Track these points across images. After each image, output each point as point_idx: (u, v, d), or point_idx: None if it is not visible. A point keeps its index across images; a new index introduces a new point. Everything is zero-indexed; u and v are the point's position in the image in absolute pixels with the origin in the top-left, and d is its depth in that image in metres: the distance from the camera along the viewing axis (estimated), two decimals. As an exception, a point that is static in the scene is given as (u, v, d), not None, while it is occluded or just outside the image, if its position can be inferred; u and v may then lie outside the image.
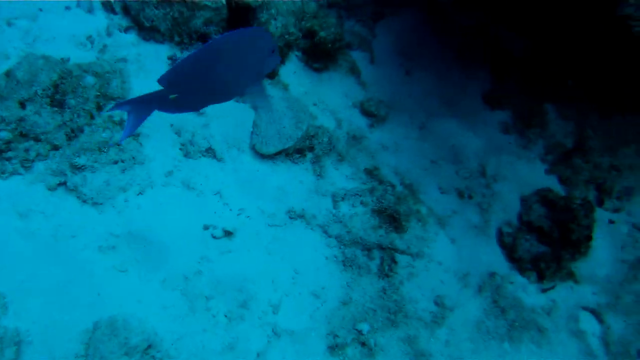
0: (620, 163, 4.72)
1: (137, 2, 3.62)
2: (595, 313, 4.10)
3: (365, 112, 4.41)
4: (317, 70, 4.39)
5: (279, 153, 3.77)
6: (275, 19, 3.71)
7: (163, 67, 3.71)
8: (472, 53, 5.02)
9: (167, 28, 3.69)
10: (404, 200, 3.92)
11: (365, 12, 5.00)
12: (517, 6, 4.48)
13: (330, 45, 4.19)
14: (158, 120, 3.46)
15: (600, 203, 4.65)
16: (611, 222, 4.58)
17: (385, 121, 4.48)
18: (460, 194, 4.32)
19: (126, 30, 3.80)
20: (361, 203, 3.83)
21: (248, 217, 3.49)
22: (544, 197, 4.34)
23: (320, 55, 4.29)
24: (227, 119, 3.72)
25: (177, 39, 3.74)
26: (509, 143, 4.76)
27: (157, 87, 1.84)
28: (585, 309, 4.10)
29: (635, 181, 4.78)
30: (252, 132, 3.79)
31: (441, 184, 4.33)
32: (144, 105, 1.94)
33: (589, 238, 4.02)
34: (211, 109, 3.66)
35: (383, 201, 3.83)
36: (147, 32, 3.74)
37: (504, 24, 4.75)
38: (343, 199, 3.81)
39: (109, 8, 3.82)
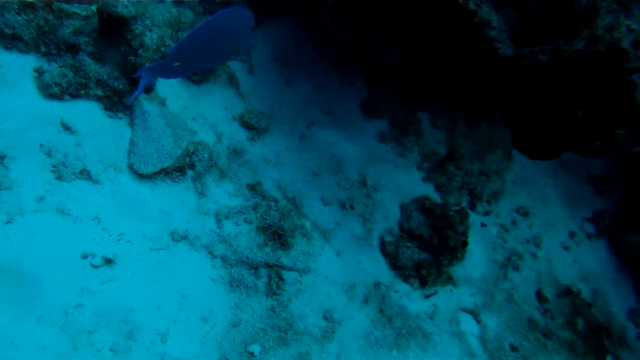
0: (489, 168, 5.29)
1: (-7, 5, 3.49)
2: (473, 314, 4.56)
3: (246, 125, 4.57)
4: (196, 82, 4.46)
5: (158, 172, 3.80)
6: (150, 30, 3.75)
7: (29, 79, 3.60)
8: (349, 63, 5.33)
9: (32, 37, 3.60)
10: (288, 215, 4.13)
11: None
12: (392, 20, 4.83)
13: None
14: (25, 140, 3.37)
15: (473, 207, 5.19)
16: (483, 225, 5.15)
17: (266, 133, 4.68)
18: (343, 205, 4.62)
19: (-17, 36, 3.63)
20: (245, 221, 3.99)
21: (129, 242, 3.52)
22: (422, 205, 4.77)
23: (196, 67, 4.35)
24: (102, 137, 3.72)
25: (43, 49, 3.67)
26: (386, 152, 5.15)
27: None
28: (464, 310, 4.55)
29: (502, 185, 5.36)
30: (129, 151, 3.80)
31: (324, 195, 4.60)
32: (152, 72, 2.77)
33: (464, 244, 4.49)
34: (84, 126, 3.62)
35: (267, 218, 4.02)
36: (9, 40, 3.60)
37: (380, 36, 5.10)
38: (227, 217, 3.95)
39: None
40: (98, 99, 3.84)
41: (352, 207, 4.66)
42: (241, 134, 4.56)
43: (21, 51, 3.71)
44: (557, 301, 5.15)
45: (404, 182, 5.02)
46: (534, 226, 5.47)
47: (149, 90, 4.00)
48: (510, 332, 4.72)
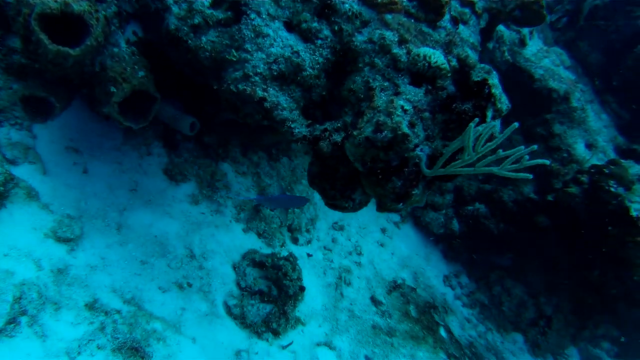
0: (300, 198, 5.80)
1: None
2: (326, 344, 5.15)
3: (61, 239, 4.57)
4: (-9, 213, 4.32)
5: (-8, 337, 3.73)
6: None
7: None
8: (142, 131, 5.43)
9: None
10: (136, 323, 4.35)
11: (17, 111, 5.02)
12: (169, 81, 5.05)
13: (2, 189, 4.17)
14: None
15: (296, 241, 5.71)
16: (309, 255, 5.72)
17: (82, 238, 4.68)
18: (180, 286, 4.91)
19: None
20: (99, 348, 4.10)
21: None
22: (252, 260, 5.24)
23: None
24: None
25: None
26: (202, 213, 5.43)
27: None
28: (318, 344, 5.12)
29: (314, 209, 5.95)
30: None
31: (160, 283, 4.83)
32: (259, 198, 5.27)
33: (302, 289, 5.08)
34: None
35: (118, 335, 4.20)
36: None
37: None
38: (79, 352, 4.00)
39: None
40: None
41: (189, 285, 4.94)
42: (60, 250, 4.55)
43: None
44: (390, 298, 5.97)
45: (228, 241, 5.39)
46: (351, 236, 6.20)
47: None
48: (361, 345, 5.43)
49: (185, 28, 4.29)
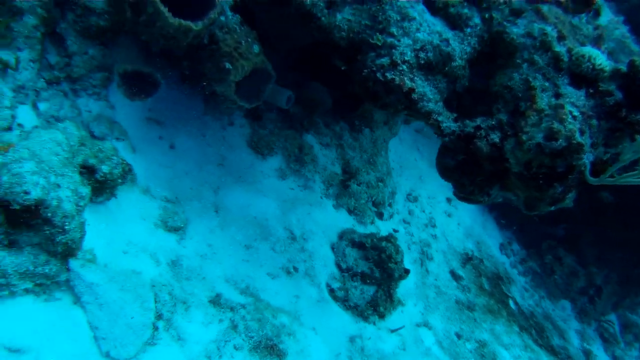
0: (381, 173, 5.48)
1: None
2: (425, 324, 4.95)
3: (170, 228, 4.11)
4: (101, 202, 3.81)
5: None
6: (60, 188, 3.09)
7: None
8: (223, 99, 4.91)
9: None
10: (264, 318, 4.02)
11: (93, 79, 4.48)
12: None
13: (120, 181, 3.68)
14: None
15: (380, 216, 5.39)
16: (395, 231, 5.41)
17: (187, 224, 4.23)
18: (288, 272, 4.57)
19: None
20: (236, 348, 3.74)
21: None
22: (351, 240, 4.88)
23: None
24: (57, 340, 3.07)
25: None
26: (291, 189, 5.01)
27: None
28: (418, 325, 4.91)
29: (393, 183, 5.63)
30: (95, 338, 3.22)
31: (268, 269, 4.49)
32: None
33: (407, 271, 4.76)
34: (31, 339, 2.97)
35: (252, 334, 3.88)
36: None
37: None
38: (220, 356, 3.64)
39: None
40: (28, 292, 3.13)
41: (295, 269, 4.58)
42: (170, 240, 4.08)
43: None
44: (465, 271, 5.80)
45: (323, 219, 5.01)
46: (424, 207, 5.92)
47: (73, 252, 3.32)
48: (451, 323, 5.26)
49: (321, 3, 3.76)
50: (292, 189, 5.05)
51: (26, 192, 2.85)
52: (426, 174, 6.29)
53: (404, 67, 3.61)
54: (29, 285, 3.12)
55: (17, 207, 2.86)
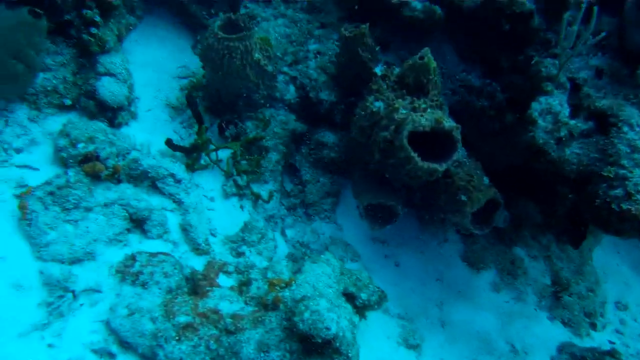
0: (589, 282, 5.53)
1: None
2: None
3: (410, 346, 4.46)
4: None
5: None
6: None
7: None
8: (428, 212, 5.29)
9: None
10: None
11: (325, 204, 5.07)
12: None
13: (376, 307, 4.12)
14: None
15: (594, 327, 5.40)
16: (611, 343, 5.36)
17: (423, 341, 4.56)
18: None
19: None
20: None
21: None
22: (572, 354, 4.93)
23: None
24: None
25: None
26: (506, 302, 5.19)
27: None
28: None
29: (602, 293, 5.64)
30: None
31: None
32: None
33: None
34: None
35: None
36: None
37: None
38: None
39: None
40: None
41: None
42: (411, 358, 4.45)
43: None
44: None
45: (540, 332, 5.14)
46: (636, 315, 5.83)
47: None
48: None
49: (551, 141, 4.10)
50: (507, 302, 5.25)
51: (327, 329, 3.35)
52: (631, 279, 6.20)
53: (639, 197, 3.82)
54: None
55: (319, 340, 3.37)
